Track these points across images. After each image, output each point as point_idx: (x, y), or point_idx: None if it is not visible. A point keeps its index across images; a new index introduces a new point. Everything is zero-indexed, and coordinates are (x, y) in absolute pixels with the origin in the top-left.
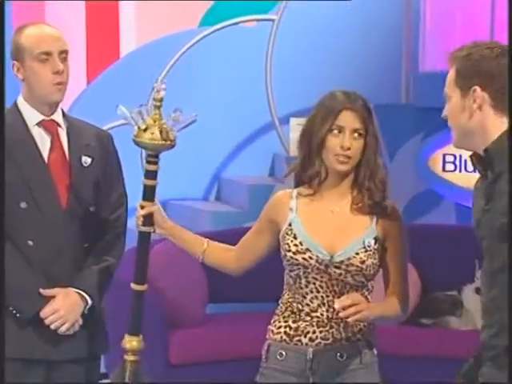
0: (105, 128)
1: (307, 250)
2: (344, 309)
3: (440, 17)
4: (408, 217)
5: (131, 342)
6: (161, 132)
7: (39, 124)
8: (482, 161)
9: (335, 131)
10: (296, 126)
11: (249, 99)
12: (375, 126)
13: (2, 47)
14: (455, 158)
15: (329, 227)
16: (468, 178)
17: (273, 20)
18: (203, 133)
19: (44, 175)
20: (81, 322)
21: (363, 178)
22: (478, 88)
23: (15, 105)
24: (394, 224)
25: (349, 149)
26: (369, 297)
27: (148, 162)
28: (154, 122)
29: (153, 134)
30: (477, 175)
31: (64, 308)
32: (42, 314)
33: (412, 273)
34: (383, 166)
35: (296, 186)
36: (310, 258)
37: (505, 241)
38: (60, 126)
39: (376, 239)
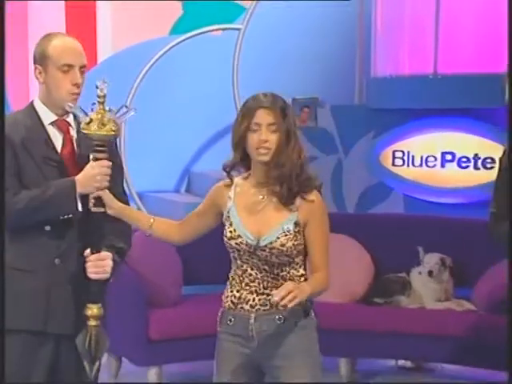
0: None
1: (239, 236)
2: (281, 299)
3: (389, 24)
4: (362, 207)
5: (92, 310)
6: (104, 124)
7: (53, 123)
8: None
9: (254, 128)
10: None
11: (217, 100)
12: (290, 122)
13: (2, 47)
14: (403, 153)
15: (256, 215)
16: (415, 172)
17: (238, 29)
18: (175, 131)
19: (59, 168)
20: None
21: (280, 169)
22: None
23: (31, 105)
24: (314, 211)
25: (266, 141)
26: (300, 270)
27: (96, 151)
28: (98, 115)
29: (97, 126)
30: (422, 169)
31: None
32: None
33: (366, 257)
34: (301, 158)
35: (228, 173)
36: (241, 242)
37: None
38: (71, 126)
39: (296, 224)
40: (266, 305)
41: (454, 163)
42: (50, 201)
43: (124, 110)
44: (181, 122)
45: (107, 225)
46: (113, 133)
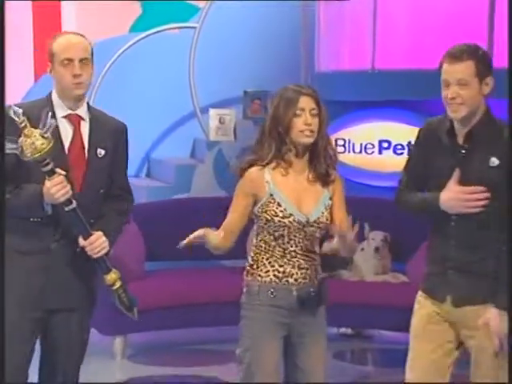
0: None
1: (290, 214)
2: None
3: (331, 24)
4: None
5: (110, 276)
6: (35, 146)
7: (65, 117)
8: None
9: (298, 113)
10: (215, 116)
11: (175, 93)
12: (325, 108)
13: (2, 47)
14: (345, 141)
15: (299, 194)
16: (355, 158)
17: (194, 27)
18: (136, 121)
19: (63, 163)
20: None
21: (320, 149)
22: (491, 78)
23: (49, 96)
24: (339, 186)
25: (311, 124)
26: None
27: (43, 168)
28: (26, 140)
29: (30, 151)
30: (362, 156)
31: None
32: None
33: None
34: (330, 141)
35: (251, 165)
36: (294, 220)
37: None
38: (83, 119)
39: (330, 198)
40: (306, 278)
41: (390, 150)
42: (21, 205)
43: (50, 121)
44: (141, 112)
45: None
46: (45, 147)
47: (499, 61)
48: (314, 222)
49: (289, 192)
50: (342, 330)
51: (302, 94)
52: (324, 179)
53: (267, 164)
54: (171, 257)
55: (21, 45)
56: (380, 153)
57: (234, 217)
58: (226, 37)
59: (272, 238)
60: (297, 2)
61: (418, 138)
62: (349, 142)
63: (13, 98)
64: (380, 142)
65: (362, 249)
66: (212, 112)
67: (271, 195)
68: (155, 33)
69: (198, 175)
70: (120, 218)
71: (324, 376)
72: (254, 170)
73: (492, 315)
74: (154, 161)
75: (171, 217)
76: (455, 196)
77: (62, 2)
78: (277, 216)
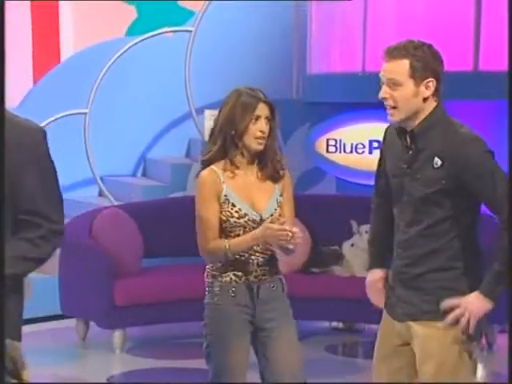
0: (52, 118)
1: (245, 214)
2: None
3: (322, 27)
4: (299, 188)
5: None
6: None
7: None
8: (410, 136)
9: (254, 120)
10: (209, 117)
11: (171, 94)
12: (277, 116)
13: (2, 47)
14: (336, 141)
15: (251, 193)
16: (346, 158)
17: (190, 31)
18: (133, 122)
19: None
20: None
21: (270, 153)
22: (433, 80)
23: None
24: (288, 184)
25: (264, 132)
26: None
27: None
28: None
29: None
30: (352, 155)
31: None
32: None
33: (304, 232)
34: (277, 143)
35: (208, 165)
36: (249, 219)
37: (426, 205)
38: None
39: (281, 195)
40: (265, 275)
41: None
42: None
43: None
44: (138, 114)
45: None
46: None
47: (486, 64)
48: (268, 218)
49: (241, 192)
50: (334, 324)
51: (260, 100)
52: (273, 176)
53: (216, 165)
54: (168, 253)
55: (19, 46)
56: (370, 152)
57: (213, 217)
58: (221, 40)
59: (229, 238)
60: (290, 3)
61: (382, 141)
62: (340, 142)
63: (11, 100)
64: (370, 141)
65: (352, 244)
66: (207, 113)
67: (225, 196)
68: (151, 36)
69: (194, 174)
70: (26, 245)
71: (299, 365)
72: (208, 172)
73: (472, 297)
74: (150, 160)
75: (168, 215)
76: None
77: (60, 3)
78: (232, 217)
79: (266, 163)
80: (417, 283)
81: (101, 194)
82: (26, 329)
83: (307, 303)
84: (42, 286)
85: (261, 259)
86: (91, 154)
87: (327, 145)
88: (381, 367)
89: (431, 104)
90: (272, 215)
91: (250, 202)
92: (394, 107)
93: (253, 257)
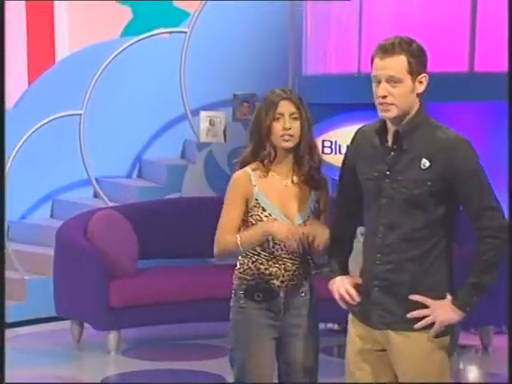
0: (46, 120)
1: (275, 219)
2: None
3: (318, 29)
4: None
5: None
6: None
7: None
8: (394, 136)
9: (277, 117)
10: (205, 118)
11: (166, 96)
12: (307, 112)
13: (2, 47)
14: (331, 143)
15: (284, 198)
16: (341, 159)
17: (185, 32)
18: (128, 123)
19: None
20: None
21: (303, 153)
22: (425, 75)
23: None
24: (325, 191)
25: (290, 129)
26: None
27: None
28: None
29: None
30: None
31: None
32: None
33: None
34: (315, 144)
35: (242, 165)
36: None
37: (409, 208)
38: None
39: (317, 202)
40: (293, 280)
41: None
42: None
43: None
44: (133, 115)
45: None
46: None
47: (481, 65)
48: (300, 225)
49: (273, 196)
50: (329, 325)
51: (281, 98)
52: (310, 182)
53: (249, 167)
54: (163, 255)
55: (14, 46)
56: None
57: (234, 215)
58: (216, 41)
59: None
60: (285, 3)
61: (350, 144)
62: (335, 144)
63: (6, 101)
64: None
65: None
66: (202, 114)
67: (256, 200)
68: (146, 37)
69: (189, 176)
70: None
71: (315, 371)
72: (241, 173)
73: (444, 306)
74: (145, 161)
75: (163, 216)
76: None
77: (55, 3)
78: (261, 221)
79: (302, 164)
80: (398, 290)
81: (96, 195)
82: (21, 330)
83: None
84: (36, 287)
85: (289, 264)
86: (86, 156)
87: (323, 146)
88: (356, 372)
89: (416, 104)
90: (304, 222)
91: (282, 207)
92: (392, 104)
93: (280, 262)
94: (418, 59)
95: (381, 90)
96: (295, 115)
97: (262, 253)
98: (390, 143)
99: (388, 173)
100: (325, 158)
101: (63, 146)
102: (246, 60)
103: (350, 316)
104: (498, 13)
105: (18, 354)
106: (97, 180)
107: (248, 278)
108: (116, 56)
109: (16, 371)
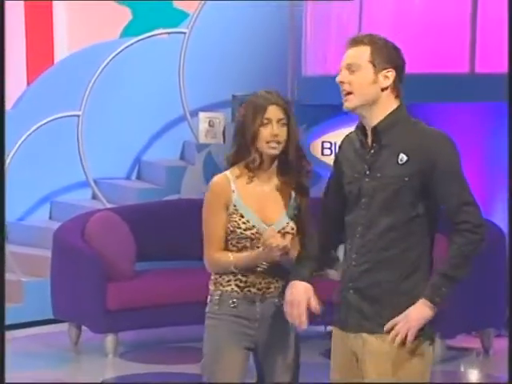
0: (44, 121)
1: (253, 226)
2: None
3: (318, 30)
4: None
5: None
6: None
7: None
8: (373, 133)
9: (265, 122)
10: (204, 119)
11: (165, 97)
12: (294, 117)
13: (2, 47)
14: (331, 144)
15: (264, 204)
16: None
17: (184, 32)
18: (127, 124)
19: None
20: None
21: (291, 159)
22: (392, 70)
23: None
24: (306, 197)
25: (277, 135)
26: None
27: None
28: None
29: None
30: None
31: None
32: None
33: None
34: (301, 149)
35: (226, 169)
36: (257, 232)
37: (386, 205)
38: None
39: (296, 208)
40: (270, 288)
41: None
42: None
43: None
44: (132, 116)
45: None
46: None
47: (482, 66)
48: (278, 232)
49: (252, 202)
50: (329, 328)
51: (270, 102)
52: (296, 188)
53: (232, 171)
54: (161, 257)
55: (12, 47)
56: None
57: (218, 227)
58: (215, 42)
59: (235, 249)
60: (285, 3)
61: (337, 152)
62: (335, 145)
63: (6, 100)
64: None
65: None
66: (201, 115)
67: (235, 206)
68: (145, 38)
69: (188, 177)
70: None
71: (295, 381)
72: (220, 178)
73: (411, 309)
74: (144, 163)
75: (162, 218)
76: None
77: (54, 3)
78: (239, 228)
79: (288, 171)
80: (373, 292)
81: (94, 196)
82: (18, 333)
83: None
84: (34, 289)
85: (266, 271)
86: (84, 157)
87: (322, 148)
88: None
89: (392, 101)
90: (284, 228)
91: (261, 213)
92: (350, 92)
93: (258, 269)
94: (384, 53)
95: (339, 76)
96: (283, 121)
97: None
98: (369, 142)
99: (368, 172)
100: (324, 159)
101: (62, 147)
102: (246, 61)
103: (334, 326)
104: (498, 14)
105: (15, 356)
106: (95, 181)
107: (224, 284)
108: (114, 57)
109: (13, 374)
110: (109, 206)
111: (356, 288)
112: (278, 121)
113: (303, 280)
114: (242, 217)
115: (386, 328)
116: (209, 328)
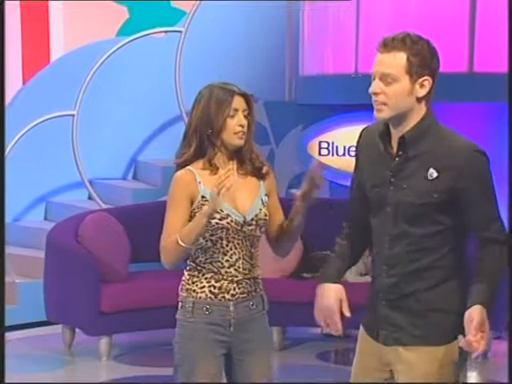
0: (39, 120)
1: (228, 215)
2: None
3: (315, 29)
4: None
5: None
6: None
7: None
8: (399, 141)
9: (232, 113)
10: None
11: (161, 96)
12: (254, 110)
13: (2, 47)
14: (328, 144)
15: (233, 194)
16: (338, 161)
17: (180, 31)
18: (123, 124)
19: None
20: None
21: (248, 149)
22: (429, 78)
23: None
24: (272, 180)
25: (243, 126)
26: None
27: None
28: None
29: None
30: (345, 158)
31: None
32: None
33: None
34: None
35: (183, 166)
36: (231, 221)
37: (413, 218)
38: None
39: (266, 194)
40: (244, 293)
41: None
42: None
43: None
44: (128, 116)
45: None
46: None
47: (480, 65)
48: (252, 219)
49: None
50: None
51: (235, 93)
52: (255, 173)
53: (194, 166)
54: (156, 258)
55: (8, 45)
56: None
57: (177, 219)
58: (212, 41)
59: (210, 243)
60: (282, 3)
61: (356, 146)
62: (332, 145)
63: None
64: None
65: None
66: None
67: (203, 197)
68: (141, 36)
69: None
70: None
71: None
72: (183, 172)
73: (478, 315)
74: (140, 163)
75: (156, 219)
76: None
77: (50, 2)
78: (214, 218)
79: (244, 160)
80: (405, 304)
81: (90, 197)
82: (11, 335)
83: (298, 309)
84: (28, 291)
85: (240, 277)
86: (79, 157)
87: (319, 147)
88: None
89: (423, 109)
90: (257, 215)
91: (232, 202)
92: (385, 103)
93: (231, 274)
94: (421, 59)
95: (373, 86)
96: (246, 112)
97: (215, 259)
98: (394, 149)
99: (392, 180)
100: (322, 159)
101: (57, 146)
102: (243, 60)
103: (361, 328)
104: (497, 13)
105: (7, 359)
106: (91, 182)
107: (198, 290)
108: (110, 56)
109: (5, 377)
110: (104, 206)
111: (387, 299)
112: (243, 111)
113: (332, 280)
114: None
115: (463, 347)
116: (182, 336)
